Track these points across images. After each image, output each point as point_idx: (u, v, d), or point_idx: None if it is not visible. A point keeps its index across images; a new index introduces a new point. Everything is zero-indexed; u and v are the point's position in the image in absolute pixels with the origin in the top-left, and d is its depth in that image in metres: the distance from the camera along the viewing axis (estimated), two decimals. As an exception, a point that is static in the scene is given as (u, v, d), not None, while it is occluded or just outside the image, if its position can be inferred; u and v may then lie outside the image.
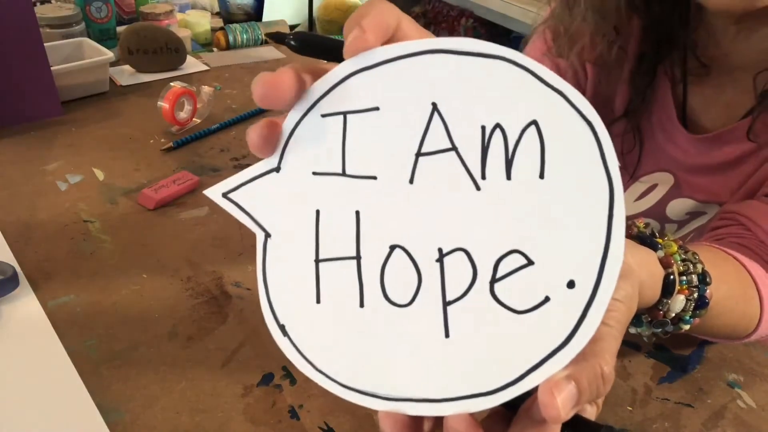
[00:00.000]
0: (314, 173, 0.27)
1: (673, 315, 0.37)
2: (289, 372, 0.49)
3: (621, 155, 0.64)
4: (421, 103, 0.25)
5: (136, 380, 0.47)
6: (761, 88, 0.53)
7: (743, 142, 0.54)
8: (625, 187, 0.65)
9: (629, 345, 0.55)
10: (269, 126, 0.27)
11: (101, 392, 0.46)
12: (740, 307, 0.44)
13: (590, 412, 0.26)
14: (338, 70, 0.26)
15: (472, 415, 0.24)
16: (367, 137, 0.26)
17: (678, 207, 0.62)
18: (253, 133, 0.27)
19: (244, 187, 0.28)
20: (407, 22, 0.26)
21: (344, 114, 0.26)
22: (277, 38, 0.36)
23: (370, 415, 0.46)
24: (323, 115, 0.27)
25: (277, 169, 0.28)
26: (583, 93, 0.46)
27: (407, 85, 0.26)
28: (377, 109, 0.26)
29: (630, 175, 0.65)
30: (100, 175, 0.73)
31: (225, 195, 0.28)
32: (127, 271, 0.58)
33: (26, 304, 0.53)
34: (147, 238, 0.63)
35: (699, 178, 0.60)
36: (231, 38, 1.14)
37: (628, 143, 0.63)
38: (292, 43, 0.33)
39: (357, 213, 0.27)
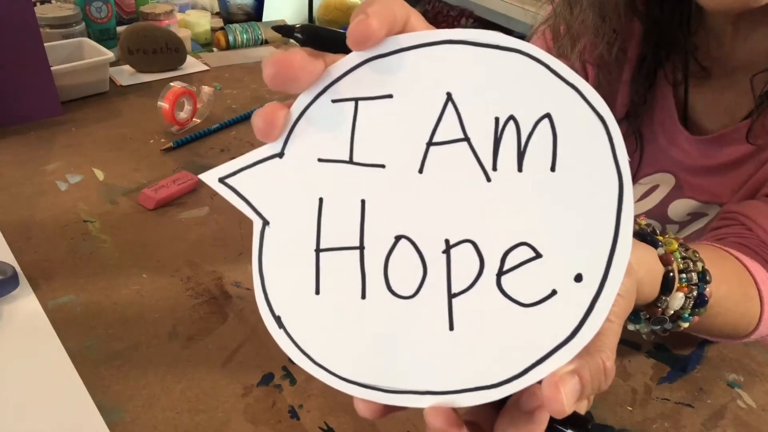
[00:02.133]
0: (319, 160, 0.26)
1: (672, 312, 0.37)
2: (289, 372, 0.49)
3: None
4: (435, 93, 0.25)
5: (136, 380, 0.47)
6: (759, 91, 0.52)
7: (744, 143, 0.54)
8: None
9: (629, 345, 0.55)
10: (276, 110, 0.26)
11: (101, 392, 0.46)
12: (740, 306, 0.44)
13: (581, 406, 0.26)
14: (353, 57, 0.26)
15: (454, 410, 0.24)
16: (377, 125, 0.26)
17: (680, 208, 0.62)
18: (259, 117, 0.26)
19: (243, 173, 0.27)
20: (416, 18, 0.26)
21: (356, 100, 0.26)
22: (284, 31, 0.35)
23: (370, 415, 0.46)
24: (334, 101, 0.26)
25: (281, 155, 0.27)
26: None
27: (422, 74, 0.25)
28: (390, 96, 0.26)
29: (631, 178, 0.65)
30: (100, 175, 0.73)
31: (222, 180, 0.27)
32: (127, 271, 0.58)
33: (26, 304, 0.53)
34: (147, 238, 0.63)
35: (700, 178, 0.60)
36: (231, 38, 1.14)
37: (629, 146, 0.63)
38: (300, 36, 0.33)
39: (362, 202, 0.26)
